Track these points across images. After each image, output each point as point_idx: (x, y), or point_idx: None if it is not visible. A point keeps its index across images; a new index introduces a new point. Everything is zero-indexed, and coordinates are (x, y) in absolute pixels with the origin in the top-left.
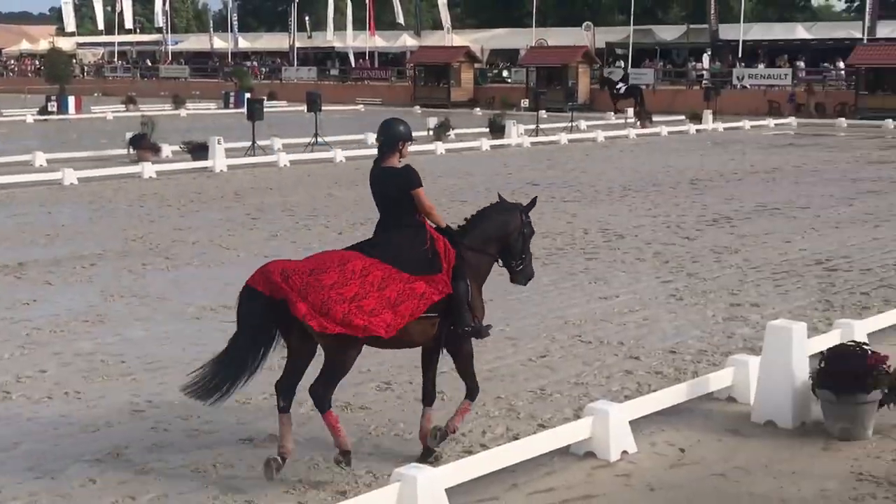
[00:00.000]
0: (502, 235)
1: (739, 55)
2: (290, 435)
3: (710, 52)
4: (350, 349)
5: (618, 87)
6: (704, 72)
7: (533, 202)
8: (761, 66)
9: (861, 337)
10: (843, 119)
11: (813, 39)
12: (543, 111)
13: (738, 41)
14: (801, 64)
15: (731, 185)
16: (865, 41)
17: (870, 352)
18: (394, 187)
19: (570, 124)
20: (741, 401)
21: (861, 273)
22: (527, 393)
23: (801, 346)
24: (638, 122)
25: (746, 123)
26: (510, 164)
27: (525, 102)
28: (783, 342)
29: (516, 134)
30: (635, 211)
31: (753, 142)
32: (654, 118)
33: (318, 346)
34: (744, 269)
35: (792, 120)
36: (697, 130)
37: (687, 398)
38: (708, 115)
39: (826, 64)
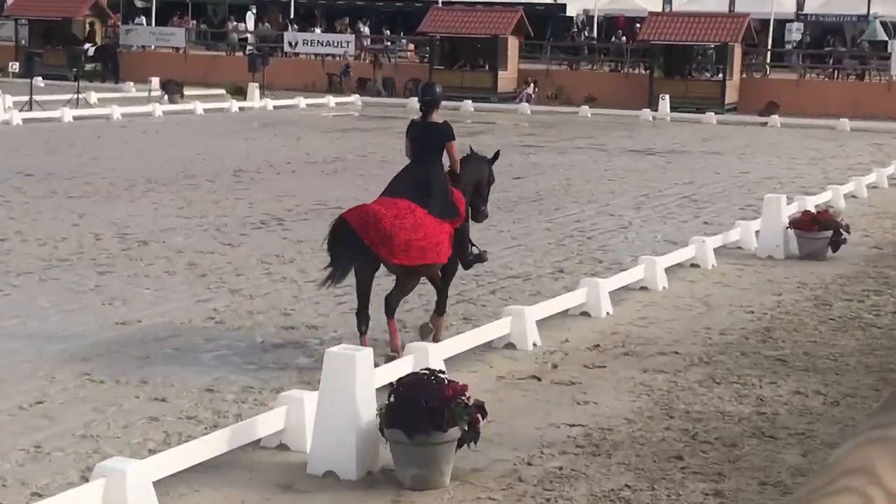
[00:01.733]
0: (478, 182)
1: (291, 15)
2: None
3: (255, 11)
4: (418, 274)
5: (85, 49)
6: (248, 34)
7: (496, 155)
8: (318, 29)
9: (437, 363)
10: (415, 98)
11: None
12: (40, 78)
13: None
14: (366, 29)
15: (283, 178)
16: (441, 4)
17: (446, 381)
18: (436, 138)
19: (75, 96)
20: (295, 448)
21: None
22: (17, 452)
23: (367, 378)
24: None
25: (302, 101)
26: None
27: (14, 66)
28: (344, 374)
29: (2, 108)
30: (163, 210)
31: (310, 124)
32: (187, 91)
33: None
34: (299, 282)
35: (356, 99)
36: (241, 108)
37: (228, 448)
38: (254, 89)
39: (395, 32)
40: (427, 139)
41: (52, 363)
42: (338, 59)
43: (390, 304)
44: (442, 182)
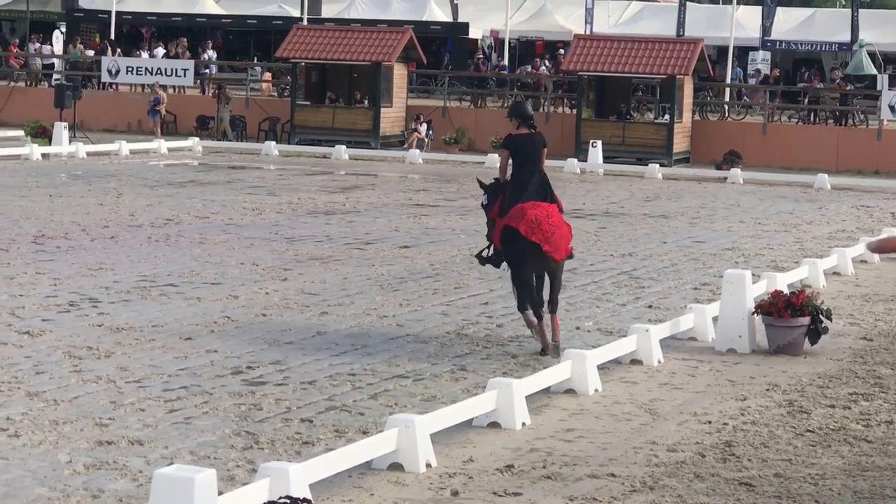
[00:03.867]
0: None
1: (112, 35)
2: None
3: (63, 29)
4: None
5: None
6: (55, 59)
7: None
8: (146, 53)
9: (300, 489)
10: (272, 143)
11: (227, 16)
12: None
13: (108, 13)
14: (210, 54)
15: (99, 245)
16: (306, 21)
17: None
18: (535, 146)
19: None
20: None
21: (301, 388)
22: None
23: None
24: None
25: (124, 146)
26: None
27: None
28: (178, 501)
29: None
30: None
31: (135, 176)
32: None
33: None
34: (119, 382)
35: (195, 143)
36: (45, 155)
37: None
38: (62, 129)
39: (247, 57)
40: (531, 148)
41: None
42: (147, 89)
43: (556, 301)
44: (549, 182)
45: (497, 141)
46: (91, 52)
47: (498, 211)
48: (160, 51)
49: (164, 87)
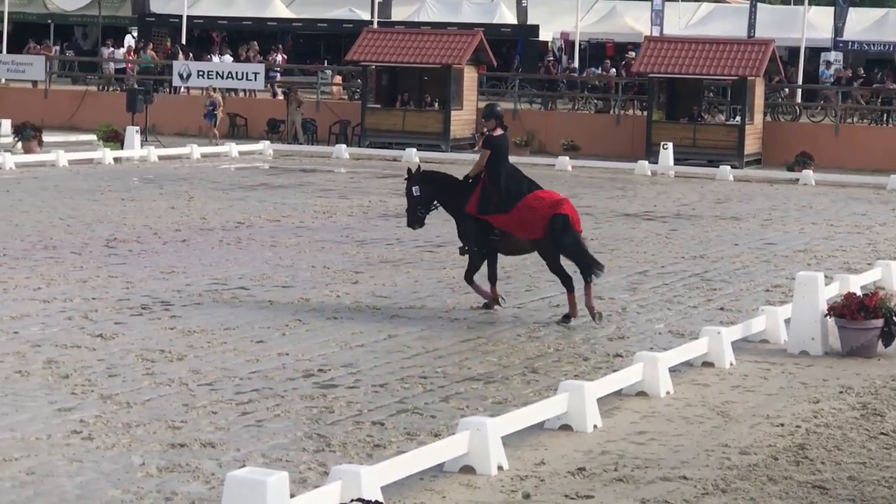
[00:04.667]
0: None
1: (183, 40)
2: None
3: (135, 34)
4: None
5: None
6: (127, 64)
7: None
8: (217, 57)
9: (372, 491)
10: (343, 146)
11: (297, 20)
12: None
13: (179, 17)
14: (280, 57)
15: (170, 248)
16: (376, 24)
17: None
18: (507, 144)
19: None
20: None
21: (373, 390)
22: None
23: None
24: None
25: (195, 149)
26: None
27: None
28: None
29: None
30: (14, 292)
31: (207, 180)
32: (47, 138)
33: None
34: (191, 385)
35: (266, 146)
36: (117, 160)
37: None
38: (133, 134)
39: (317, 61)
40: (507, 150)
41: None
42: (233, 94)
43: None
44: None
45: (568, 143)
46: (161, 57)
47: (477, 207)
48: (228, 58)
49: (217, 91)
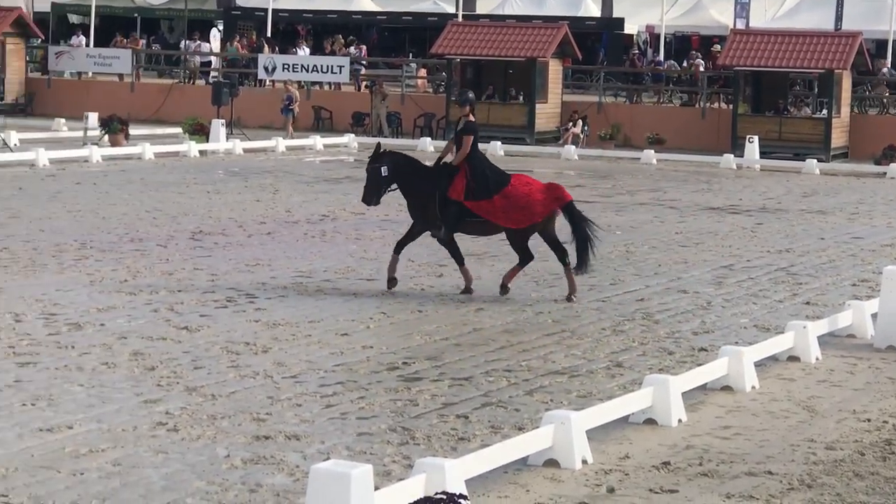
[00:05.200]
0: None
1: (269, 33)
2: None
3: (221, 27)
4: None
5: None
6: (213, 58)
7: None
8: (302, 51)
9: (456, 485)
10: (427, 139)
11: (382, 13)
12: None
13: (264, 11)
14: (362, 50)
15: (255, 241)
16: (460, 17)
17: None
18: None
19: None
20: None
21: (457, 384)
22: None
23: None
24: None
25: (280, 142)
26: None
27: None
28: (336, 498)
29: None
30: (101, 284)
31: (291, 172)
32: (134, 131)
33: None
34: (275, 378)
35: (351, 139)
36: (202, 152)
37: None
38: (219, 127)
39: (402, 54)
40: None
41: None
42: (326, 87)
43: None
44: None
45: (653, 136)
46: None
47: (464, 193)
48: (306, 50)
49: (294, 85)
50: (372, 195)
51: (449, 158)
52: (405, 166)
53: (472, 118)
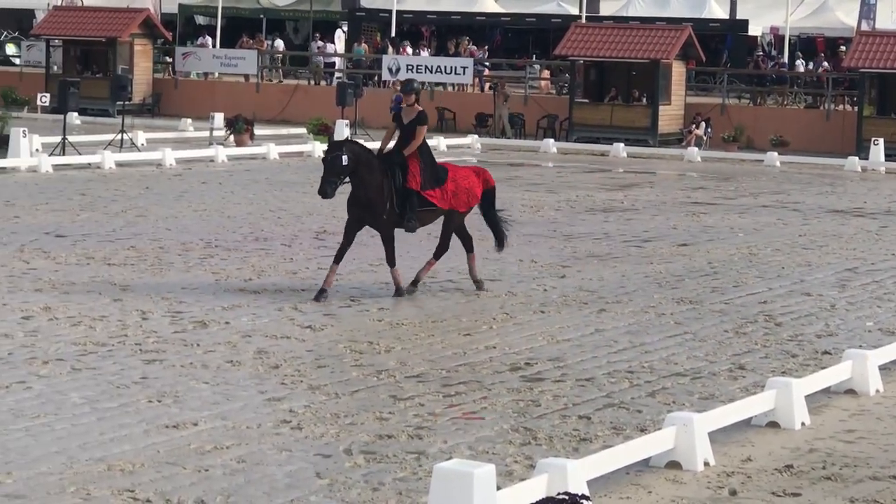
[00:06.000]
0: None
1: (393, 34)
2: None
3: (346, 28)
4: None
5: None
6: (337, 59)
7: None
8: (426, 52)
9: (578, 485)
10: (550, 140)
11: (506, 14)
12: (75, 114)
13: (389, 12)
14: (485, 52)
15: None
16: (584, 19)
17: None
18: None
19: (120, 136)
20: None
21: (579, 385)
22: None
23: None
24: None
25: None
26: (18, 203)
27: (44, 98)
28: (458, 496)
29: (29, 151)
30: (226, 283)
31: None
32: (259, 131)
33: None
34: (398, 378)
35: (474, 140)
36: None
37: None
38: (343, 127)
39: (525, 55)
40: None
41: (86, 477)
42: (450, 89)
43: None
44: None
45: (777, 139)
46: (371, 51)
47: (420, 183)
48: (416, 53)
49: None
50: (329, 186)
51: (391, 146)
52: (363, 155)
53: (417, 107)
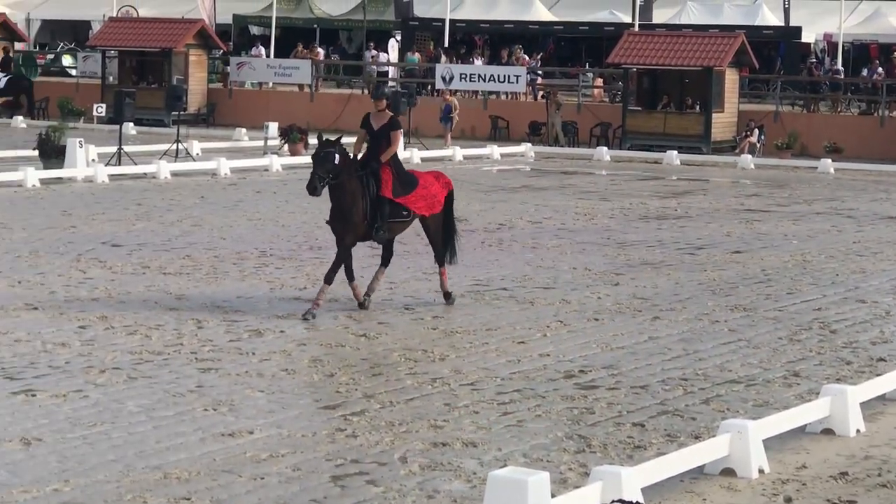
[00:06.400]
0: None
1: (446, 43)
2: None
3: (399, 37)
4: None
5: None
6: (390, 67)
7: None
8: (479, 60)
9: (632, 493)
10: (603, 148)
11: (559, 23)
12: (131, 124)
13: (442, 21)
14: (533, 60)
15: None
16: (637, 27)
17: None
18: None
19: (175, 146)
20: None
21: (633, 392)
22: None
23: None
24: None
25: (457, 151)
26: (74, 213)
27: (100, 109)
28: (512, 502)
29: (85, 161)
30: (281, 291)
31: (469, 181)
32: (313, 140)
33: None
34: (453, 386)
35: (528, 149)
36: None
37: None
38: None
39: (578, 63)
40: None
41: (143, 485)
42: (503, 97)
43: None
44: None
45: (831, 145)
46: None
47: (392, 190)
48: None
49: (454, 95)
50: (318, 182)
51: (360, 154)
52: (348, 160)
53: (388, 112)
